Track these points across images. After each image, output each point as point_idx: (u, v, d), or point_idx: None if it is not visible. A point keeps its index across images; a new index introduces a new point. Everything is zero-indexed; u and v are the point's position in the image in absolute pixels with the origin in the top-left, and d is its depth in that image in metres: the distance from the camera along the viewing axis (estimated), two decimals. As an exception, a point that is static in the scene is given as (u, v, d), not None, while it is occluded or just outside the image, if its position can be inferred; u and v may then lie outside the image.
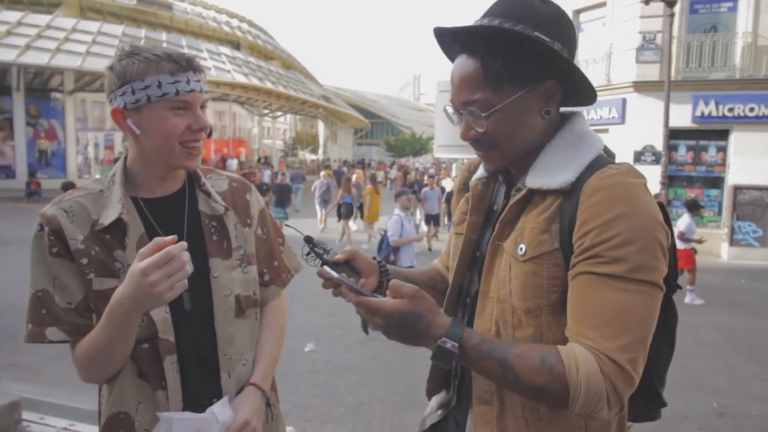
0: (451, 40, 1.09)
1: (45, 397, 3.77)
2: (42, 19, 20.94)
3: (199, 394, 1.24)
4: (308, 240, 1.19)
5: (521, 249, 1.00)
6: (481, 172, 1.20)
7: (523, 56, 1.00)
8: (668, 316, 1.12)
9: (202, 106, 1.23)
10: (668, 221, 1.05)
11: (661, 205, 1.03)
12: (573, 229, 0.95)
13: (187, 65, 1.18)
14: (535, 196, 1.03)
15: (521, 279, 1.00)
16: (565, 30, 1.04)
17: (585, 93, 1.07)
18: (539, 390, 0.91)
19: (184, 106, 1.19)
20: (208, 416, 1.17)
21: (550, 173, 1.01)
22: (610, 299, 0.90)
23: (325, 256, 1.15)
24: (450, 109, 1.10)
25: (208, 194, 1.31)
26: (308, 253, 1.20)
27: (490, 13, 1.04)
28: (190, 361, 1.23)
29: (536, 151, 1.06)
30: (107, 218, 1.20)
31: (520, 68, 1.00)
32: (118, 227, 1.20)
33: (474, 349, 0.93)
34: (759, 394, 4.74)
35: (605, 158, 1.04)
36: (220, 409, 1.19)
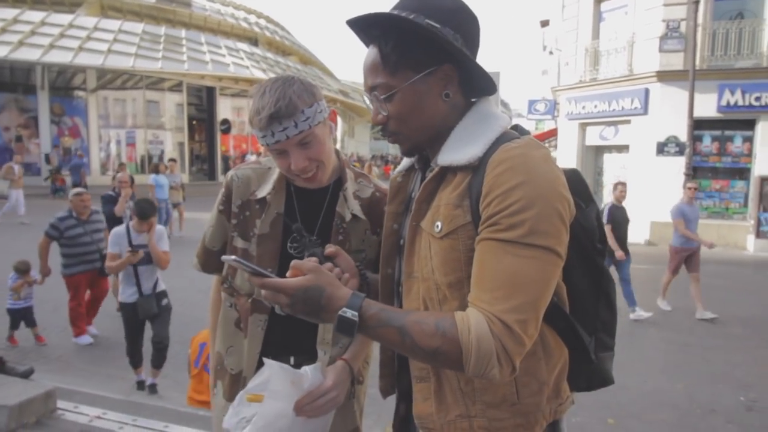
0: (359, 29, 1.14)
1: (78, 386, 3.86)
2: (64, 18, 21.27)
3: (283, 354, 1.38)
4: (298, 230, 1.33)
5: (437, 226, 1.04)
6: (401, 166, 1.28)
7: (415, 42, 1.05)
8: (600, 278, 1.17)
9: (305, 143, 1.33)
10: (584, 192, 1.12)
11: (575, 173, 1.12)
12: (480, 201, 1.00)
13: (270, 119, 1.28)
14: (447, 174, 1.08)
15: (441, 255, 1.04)
16: (461, 20, 1.08)
17: (482, 79, 1.10)
18: (434, 352, 0.94)
19: (279, 151, 1.34)
20: (302, 373, 1.28)
21: (458, 150, 1.05)
22: (504, 263, 0.94)
23: (312, 247, 1.27)
24: (366, 98, 1.15)
25: (345, 199, 1.47)
26: (295, 241, 1.35)
27: (395, 5, 1.10)
28: (284, 327, 1.40)
29: (447, 134, 1.10)
30: (260, 193, 1.46)
31: (413, 53, 1.05)
32: (264, 202, 1.45)
33: (373, 318, 0.97)
34: (788, 387, 4.65)
35: (511, 134, 1.07)
36: (313, 371, 1.30)
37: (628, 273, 6.62)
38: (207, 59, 22.95)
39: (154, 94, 23.44)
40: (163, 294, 4.42)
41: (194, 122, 26.03)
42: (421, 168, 1.22)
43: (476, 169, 1.02)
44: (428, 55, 1.05)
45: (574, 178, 1.13)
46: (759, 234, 12.21)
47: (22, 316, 5.06)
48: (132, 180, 7.75)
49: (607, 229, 6.49)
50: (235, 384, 1.45)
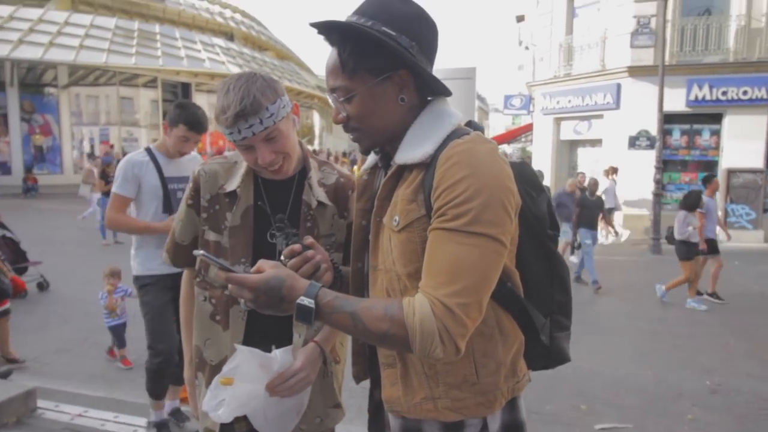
0: (321, 32, 1.18)
1: (57, 386, 3.85)
2: (34, 12, 20.76)
3: (265, 343, 1.43)
4: (280, 220, 1.42)
5: (395, 220, 1.12)
6: (367, 164, 1.34)
7: (371, 48, 1.10)
8: (553, 263, 1.26)
9: (270, 138, 1.39)
10: (534, 183, 1.21)
11: (524, 165, 1.20)
12: (432, 194, 1.07)
13: (236, 117, 1.34)
14: (404, 171, 1.15)
15: (399, 247, 1.12)
16: (418, 28, 1.14)
17: (436, 84, 1.16)
18: (383, 335, 1.02)
19: (246, 146, 1.41)
20: (271, 356, 1.37)
21: (413, 149, 1.12)
22: (449, 251, 1.02)
23: (292, 237, 1.35)
24: (329, 98, 1.22)
25: (310, 187, 1.54)
26: (277, 230, 1.44)
27: (356, 10, 1.15)
28: (264, 316, 1.39)
29: (404, 133, 1.17)
30: (229, 187, 1.52)
31: (370, 59, 1.11)
32: (234, 195, 1.50)
33: (328, 305, 1.04)
34: (750, 371, 4.86)
35: (462, 130, 1.14)
36: (282, 354, 1.39)
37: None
38: (182, 55, 22.65)
39: (128, 90, 23.07)
40: None
41: (170, 119, 25.68)
42: (383, 166, 1.29)
43: (429, 165, 1.09)
44: (385, 61, 1.11)
45: (524, 170, 1.22)
46: (726, 225, 12.59)
47: (119, 332, 4.61)
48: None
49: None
50: (215, 375, 1.51)
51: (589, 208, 8.09)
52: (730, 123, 12.79)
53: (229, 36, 29.26)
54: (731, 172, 12.47)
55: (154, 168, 2.91)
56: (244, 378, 1.32)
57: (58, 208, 15.50)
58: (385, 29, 1.10)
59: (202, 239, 1.54)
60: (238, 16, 32.52)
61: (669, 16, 12.09)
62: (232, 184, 1.51)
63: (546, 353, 1.26)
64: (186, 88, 24.88)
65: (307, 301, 1.04)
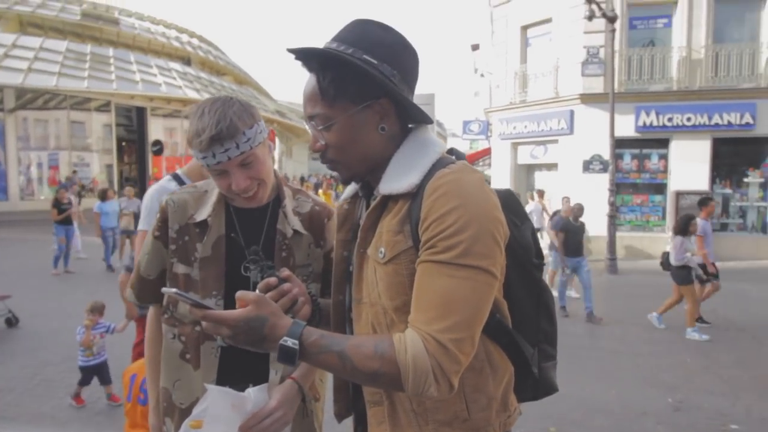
0: (299, 58, 1.15)
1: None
2: (-21, 34, 20.03)
3: (241, 381, 1.36)
4: (254, 252, 1.36)
5: (381, 252, 1.08)
6: (346, 193, 1.30)
7: (352, 76, 1.07)
8: (539, 292, 1.24)
9: (245, 164, 1.34)
10: (518, 211, 1.20)
11: (509, 194, 1.19)
12: (419, 225, 1.03)
13: (211, 141, 1.28)
14: (389, 202, 1.11)
15: (386, 280, 1.07)
16: (398, 55, 1.11)
17: (417, 112, 1.14)
18: (374, 374, 0.97)
19: (220, 171, 1.35)
20: (245, 395, 1.28)
21: (397, 179, 1.09)
22: (440, 284, 0.98)
23: (268, 269, 1.29)
24: (307, 125, 1.19)
25: (285, 215, 1.48)
26: (251, 263, 1.37)
27: (335, 37, 1.13)
28: (238, 352, 1.29)
29: (386, 162, 1.13)
30: (199, 216, 1.45)
31: (350, 87, 1.08)
32: (205, 225, 1.43)
33: (314, 345, 0.98)
34: (709, 387, 5.00)
35: (448, 159, 1.12)
36: (257, 393, 1.31)
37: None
38: (137, 78, 22.19)
39: (80, 114, 22.34)
40: None
41: (124, 143, 25.01)
42: (365, 195, 1.25)
43: (415, 195, 1.06)
44: (365, 89, 1.08)
45: (508, 198, 1.20)
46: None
47: (95, 372, 4.32)
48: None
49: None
50: (185, 418, 1.40)
51: (574, 234, 7.81)
52: (676, 147, 13.42)
53: (186, 60, 28.92)
54: (679, 194, 13.04)
55: None
56: (215, 420, 1.24)
57: (19, 237, 14.70)
58: (367, 57, 1.07)
59: (171, 272, 1.45)
60: (195, 41, 32.23)
61: (616, 46, 12.69)
62: (203, 214, 1.44)
63: (535, 384, 1.23)
64: (141, 112, 24.32)
65: (291, 342, 0.97)
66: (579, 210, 8.03)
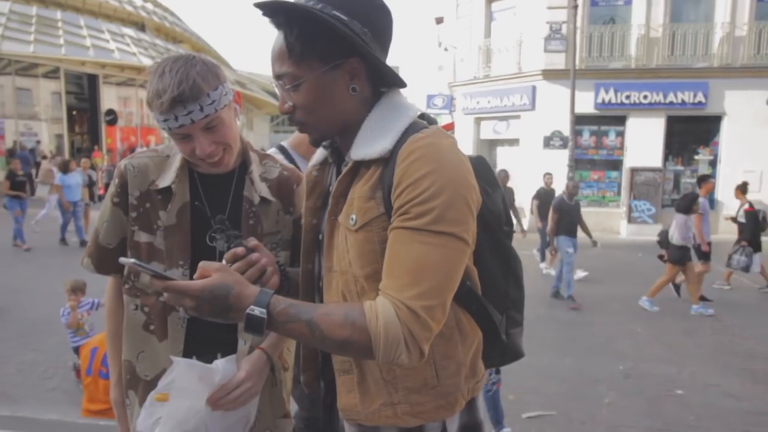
0: (266, 13, 1.09)
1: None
2: None
3: (209, 351, 1.33)
4: (220, 221, 1.30)
5: (352, 219, 1.05)
6: (315, 159, 1.26)
7: (320, 33, 1.03)
8: (508, 259, 1.25)
9: (210, 127, 1.27)
10: (489, 179, 1.19)
11: (481, 161, 1.18)
12: (392, 191, 1.01)
13: (173, 102, 1.20)
14: (360, 168, 1.08)
15: (356, 248, 1.05)
16: (371, 13, 1.07)
17: (389, 73, 1.10)
18: (344, 343, 0.96)
19: (183, 135, 1.27)
20: (212, 367, 1.26)
21: (369, 144, 1.06)
22: (412, 251, 0.96)
23: (235, 239, 1.24)
24: (275, 86, 1.14)
25: (252, 182, 1.42)
26: (217, 232, 1.33)
27: None
28: (206, 323, 1.24)
29: (357, 126, 1.10)
30: (162, 183, 1.37)
31: (318, 44, 1.03)
32: (169, 192, 1.37)
33: (282, 314, 0.96)
34: (658, 355, 5.26)
35: (420, 124, 1.09)
36: (224, 364, 1.28)
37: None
38: (88, 44, 21.14)
39: (26, 80, 21.16)
40: None
41: (74, 112, 23.90)
42: (335, 161, 1.22)
43: (387, 161, 1.03)
44: (334, 47, 1.03)
45: (480, 165, 1.18)
46: (630, 219, 13.59)
47: None
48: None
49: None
50: (151, 391, 1.37)
51: (568, 213, 7.40)
52: (633, 125, 13.79)
53: (140, 26, 27.68)
54: (634, 171, 13.45)
55: None
56: (182, 393, 1.22)
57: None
58: (336, 13, 1.02)
59: (132, 240, 1.39)
60: (149, 6, 30.83)
61: (578, 23, 12.83)
62: (166, 180, 1.37)
63: (503, 350, 1.24)
64: (93, 79, 23.24)
65: (258, 311, 0.95)
66: (574, 188, 7.64)
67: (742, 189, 8.18)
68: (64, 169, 10.08)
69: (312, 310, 0.98)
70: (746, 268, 7.58)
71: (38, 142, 20.16)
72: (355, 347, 0.96)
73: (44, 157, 11.68)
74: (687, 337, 5.87)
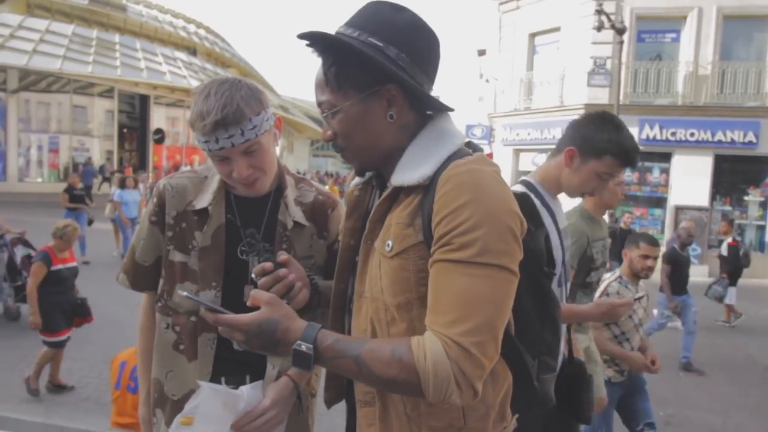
0: (308, 44, 1.10)
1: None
2: (-15, 14, 19.95)
3: (238, 373, 1.34)
4: (251, 234, 1.28)
5: (388, 245, 1.02)
6: (357, 179, 1.24)
7: (351, 61, 1.02)
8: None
9: (249, 152, 1.29)
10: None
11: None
12: (432, 220, 0.98)
13: (215, 125, 1.22)
14: (400, 194, 1.06)
15: (390, 275, 1.02)
16: (409, 36, 1.05)
17: (428, 100, 1.08)
18: (392, 381, 0.92)
19: (222, 157, 1.29)
20: (237, 393, 1.26)
21: (410, 170, 1.03)
22: (458, 284, 0.92)
23: (265, 253, 1.23)
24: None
25: (286, 206, 1.44)
26: (248, 247, 1.31)
27: (346, 21, 1.08)
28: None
29: (400, 153, 1.08)
30: (199, 204, 1.40)
31: (351, 72, 1.03)
32: (205, 213, 1.39)
33: (328, 350, 0.95)
34: (700, 403, 4.99)
35: (464, 151, 1.06)
36: (250, 390, 1.28)
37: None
38: (142, 66, 22.13)
39: (82, 99, 22.26)
40: None
41: (125, 130, 24.94)
42: (378, 185, 1.20)
43: (427, 188, 1.00)
44: (368, 75, 1.03)
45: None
46: (673, 259, 13.10)
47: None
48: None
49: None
50: (178, 411, 1.36)
51: (681, 266, 6.11)
52: (678, 162, 13.42)
53: (192, 51, 28.87)
54: (679, 209, 13.03)
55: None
56: (205, 418, 1.22)
57: (13, 218, 14.64)
58: (372, 40, 1.02)
59: (167, 260, 1.40)
60: (202, 32, 32.21)
61: (624, 58, 12.69)
62: (203, 201, 1.39)
63: (533, 396, 1.16)
64: (144, 99, 24.27)
65: (305, 347, 0.94)
66: (687, 237, 6.31)
67: (730, 223, 8.81)
68: (122, 185, 10.13)
69: (359, 345, 0.95)
70: (720, 299, 7.88)
71: (90, 158, 21.04)
72: (403, 386, 0.93)
73: (113, 173, 11.84)
74: (733, 385, 5.56)
